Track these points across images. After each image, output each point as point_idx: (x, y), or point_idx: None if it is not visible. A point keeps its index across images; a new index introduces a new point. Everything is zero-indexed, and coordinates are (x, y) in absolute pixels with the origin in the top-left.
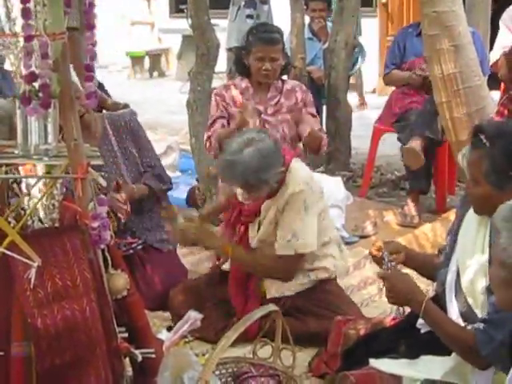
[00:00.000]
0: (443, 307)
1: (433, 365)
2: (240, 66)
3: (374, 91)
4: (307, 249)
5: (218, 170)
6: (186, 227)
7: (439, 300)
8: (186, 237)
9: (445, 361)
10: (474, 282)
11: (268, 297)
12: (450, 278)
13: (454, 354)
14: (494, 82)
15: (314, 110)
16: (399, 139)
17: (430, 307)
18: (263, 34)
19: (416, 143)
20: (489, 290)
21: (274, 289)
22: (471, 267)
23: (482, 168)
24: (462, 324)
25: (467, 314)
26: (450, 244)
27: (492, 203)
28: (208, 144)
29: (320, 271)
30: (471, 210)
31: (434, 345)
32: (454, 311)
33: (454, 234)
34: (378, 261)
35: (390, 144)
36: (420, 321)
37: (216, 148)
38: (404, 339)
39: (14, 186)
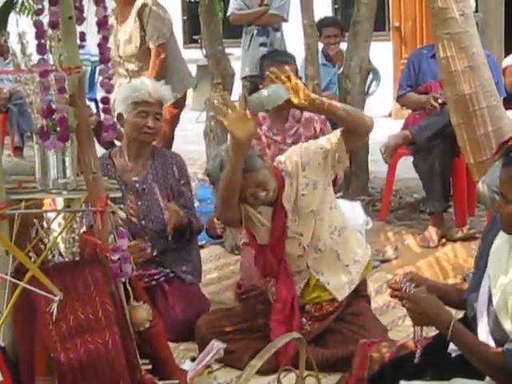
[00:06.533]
0: (473, 331)
1: None
2: None
3: (389, 115)
4: None
5: None
6: None
7: (469, 324)
8: None
9: None
10: (507, 303)
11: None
12: (482, 300)
13: (487, 378)
14: (509, 102)
15: None
16: (414, 164)
17: (458, 327)
18: (277, 57)
19: (430, 233)
20: None
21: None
22: (504, 288)
23: None
24: (494, 345)
25: (499, 336)
26: (479, 267)
27: None
28: None
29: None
30: (502, 233)
31: (464, 368)
32: (485, 333)
33: (480, 257)
34: (398, 294)
35: (407, 167)
36: (452, 346)
37: None
38: (433, 362)
39: (35, 220)
